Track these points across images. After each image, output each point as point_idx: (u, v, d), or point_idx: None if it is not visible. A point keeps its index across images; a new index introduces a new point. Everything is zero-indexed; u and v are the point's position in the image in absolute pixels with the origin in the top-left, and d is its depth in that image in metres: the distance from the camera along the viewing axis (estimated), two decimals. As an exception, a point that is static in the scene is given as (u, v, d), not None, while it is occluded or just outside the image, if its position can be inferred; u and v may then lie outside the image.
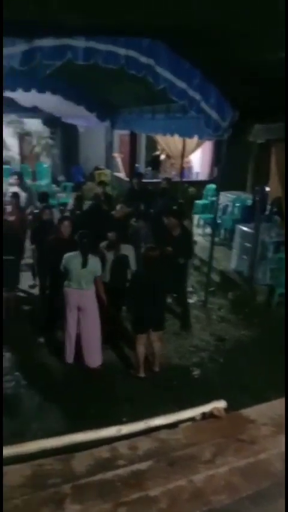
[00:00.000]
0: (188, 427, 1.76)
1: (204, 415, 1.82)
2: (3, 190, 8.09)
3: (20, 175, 8.77)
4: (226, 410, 1.81)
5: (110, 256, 5.28)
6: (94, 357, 4.93)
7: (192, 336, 5.82)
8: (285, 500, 1.35)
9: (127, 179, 12.71)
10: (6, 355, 5.16)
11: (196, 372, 5.05)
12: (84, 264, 4.69)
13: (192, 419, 1.82)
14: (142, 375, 4.82)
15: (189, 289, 7.24)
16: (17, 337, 5.49)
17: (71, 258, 4.75)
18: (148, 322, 4.75)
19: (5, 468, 1.48)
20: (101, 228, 5.40)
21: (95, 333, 4.91)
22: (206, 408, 1.81)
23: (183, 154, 8.70)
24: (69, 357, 4.97)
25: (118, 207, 6.97)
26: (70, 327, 4.89)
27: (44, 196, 7.54)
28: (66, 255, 4.79)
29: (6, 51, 3.85)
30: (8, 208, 6.56)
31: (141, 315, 4.76)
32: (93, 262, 4.80)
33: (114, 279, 5.25)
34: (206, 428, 1.75)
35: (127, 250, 5.39)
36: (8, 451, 1.56)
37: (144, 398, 4.44)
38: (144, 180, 9.12)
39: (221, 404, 1.82)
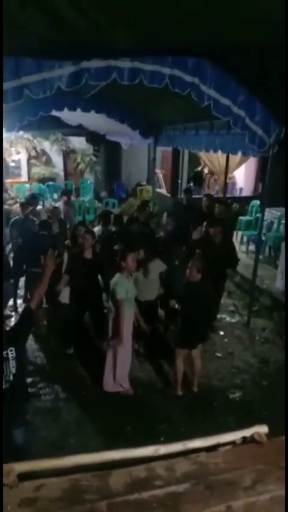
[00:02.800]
0: (228, 452, 1.69)
1: (245, 440, 1.75)
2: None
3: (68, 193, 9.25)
4: (268, 435, 1.74)
5: (139, 275, 5.08)
6: (109, 383, 4.71)
7: (234, 357, 5.65)
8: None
9: (168, 195, 12.78)
10: (47, 367, 5.26)
11: (237, 395, 4.90)
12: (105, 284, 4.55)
13: (232, 443, 1.77)
14: (180, 393, 4.75)
15: (231, 308, 7.09)
16: (54, 350, 5.59)
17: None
18: (193, 337, 4.63)
19: (44, 481, 1.50)
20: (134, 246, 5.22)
21: (124, 359, 4.65)
22: (247, 432, 1.74)
23: (227, 170, 8.64)
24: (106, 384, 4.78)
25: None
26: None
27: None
28: None
29: (54, 73, 4.03)
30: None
31: (188, 328, 4.59)
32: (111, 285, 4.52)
33: (145, 294, 5.16)
34: (246, 454, 1.68)
35: (159, 266, 5.28)
36: (47, 464, 1.58)
37: (182, 419, 4.37)
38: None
39: (263, 429, 1.75)
